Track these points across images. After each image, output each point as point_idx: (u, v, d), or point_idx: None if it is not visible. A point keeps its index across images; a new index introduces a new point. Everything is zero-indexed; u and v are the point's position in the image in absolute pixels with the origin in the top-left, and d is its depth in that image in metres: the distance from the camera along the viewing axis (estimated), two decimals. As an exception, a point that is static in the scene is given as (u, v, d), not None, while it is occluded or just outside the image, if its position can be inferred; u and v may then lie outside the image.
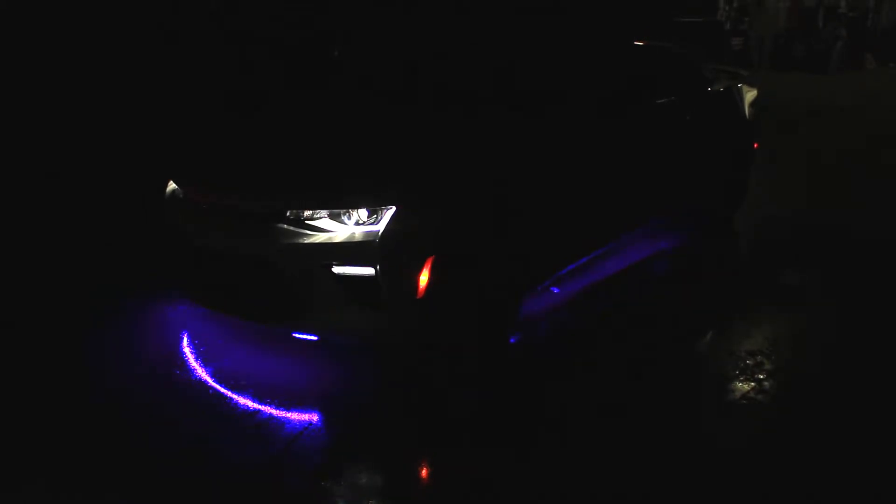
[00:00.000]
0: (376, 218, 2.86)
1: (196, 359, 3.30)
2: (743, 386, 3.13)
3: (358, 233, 2.86)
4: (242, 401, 2.96)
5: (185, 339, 3.48)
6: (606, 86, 4.05)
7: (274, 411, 2.89)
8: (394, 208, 2.87)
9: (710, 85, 5.03)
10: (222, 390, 3.05)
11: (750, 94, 5.33)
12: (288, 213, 2.95)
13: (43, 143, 5.58)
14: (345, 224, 2.88)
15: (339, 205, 2.91)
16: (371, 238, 2.84)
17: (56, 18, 5.83)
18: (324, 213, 2.92)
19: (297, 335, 3.15)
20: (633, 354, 3.46)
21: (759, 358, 3.36)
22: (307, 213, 2.93)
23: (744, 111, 5.24)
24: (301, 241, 2.89)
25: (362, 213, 2.88)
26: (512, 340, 3.48)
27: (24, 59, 5.69)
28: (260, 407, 2.92)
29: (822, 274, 4.53)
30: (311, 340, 3.22)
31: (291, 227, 2.93)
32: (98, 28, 5.93)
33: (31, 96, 5.67)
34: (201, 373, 3.18)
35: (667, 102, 4.47)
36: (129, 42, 6.06)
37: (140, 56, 6.10)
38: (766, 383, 3.15)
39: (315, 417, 2.87)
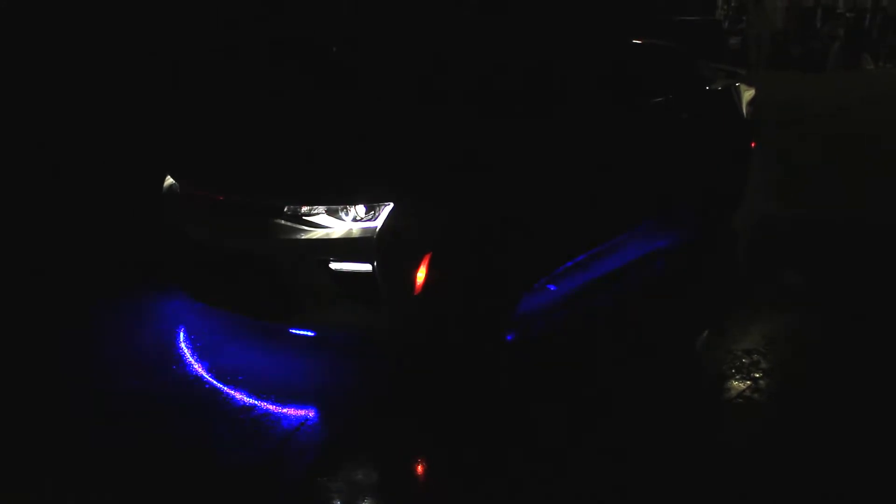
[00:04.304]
0: (374, 214, 2.86)
1: (192, 354, 3.29)
2: (740, 384, 3.14)
3: (355, 229, 2.85)
4: (239, 396, 2.96)
5: (182, 335, 3.47)
6: (605, 84, 4.05)
7: (270, 407, 2.89)
8: (391, 205, 2.86)
9: (708, 84, 5.03)
10: (219, 386, 3.04)
11: (748, 93, 5.33)
12: (286, 209, 2.94)
13: (42, 139, 5.56)
14: (342, 220, 2.88)
15: (336, 201, 2.90)
16: (368, 234, 2.83)
17: (57, 17, 5.82)
18: (321, 208, 2.91)
19: (294, 331, 3.15)
20: (630, 352, 3.46)
21: (755, 356, 3.36)
22: (305, 208, 2.92)
23: (741, 110, 5.24)
24: (298, 236, 2.89)
25: (360, 210, 2.88)
26: (509, 338, 3.48)
27: (26, 57, 5.68)
28: (256, 403, 2.91)
29: (821, 273, 4.53)
30: (308, 336, 3.22)
31: (289, 223, 2.92)
32: (98, 24, 5.92)
33: (33, 93, 5.66)
34: (198, 368, 3.17)
35: (664, 101, 4.47)
36: (130, 40, 6.05)
37: (140, 53, 6.08)
38: (762, 382, 3.16)
39: (311, 414, 2.87)
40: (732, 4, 18.34)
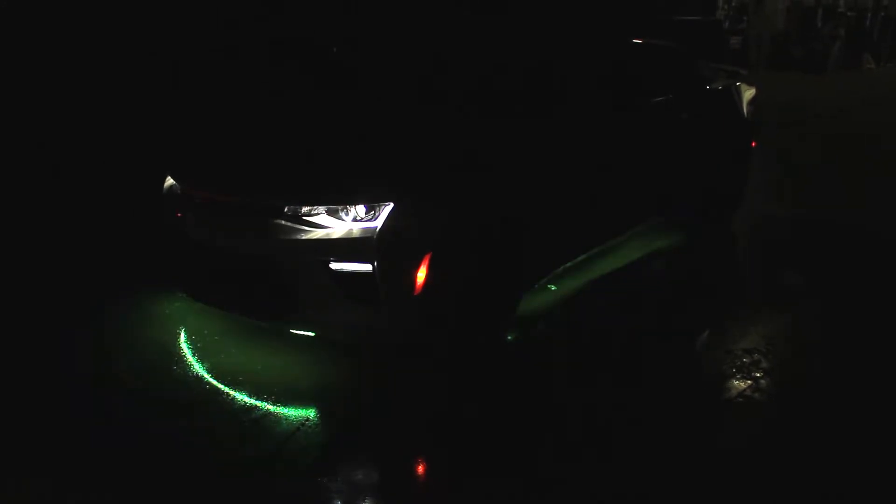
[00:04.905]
0: (374, 214, 2.86)
1: (193, 354, 3.29)
2: (740, 384, 3.13)
3: (355, 229, 2.85)
4: (239, 396, 2.96)
5: (182, 335, 3.47)
6: (605, 84, 4.05)
7: (270, 407, 2.89)
8: (391, 205, 2.86)
9: (709, 83, 5.03)
10: (219, 386, 3.04)
11: (748, 93, 5.33)
12: (286, 209, 2.94)
13: (42, 139, 5.57)
14: (342, 220, 2.88)
15: (336, 201, 2.90)
16: (368, 234, 2.83)
17: (57, 17, 5.82)
18: (322, 209, 2.91)
19: (294, 331, 3.15)
20: (629, 352, 3.46)
21: (755, 356, 3.36)
22: (305, 208, 2.92)
23: (742, 110, 5.24)
24: (299, 237, 2.89)
25: (360, 210, 2.88)
26: (508, 338, 3.48)
27: (26, 56, 5.69)
28: (256, 403, 2.91)
29: (821, 273, 4.53)
30: (308, 337, 3.22)
31: (289, 223, 2.92)
32: (98, 24, 5.92)
33: (33, 93, 5.67)
34: (198, 368, 3.17)
35: (664, 101, 4.47)
36: (130, 40, 6.05)
37: (140, 53, 6.09)
38: (762, 381, 3.15)
39: (311, 414, 2.86)
40: (733, 4, 18.33)
